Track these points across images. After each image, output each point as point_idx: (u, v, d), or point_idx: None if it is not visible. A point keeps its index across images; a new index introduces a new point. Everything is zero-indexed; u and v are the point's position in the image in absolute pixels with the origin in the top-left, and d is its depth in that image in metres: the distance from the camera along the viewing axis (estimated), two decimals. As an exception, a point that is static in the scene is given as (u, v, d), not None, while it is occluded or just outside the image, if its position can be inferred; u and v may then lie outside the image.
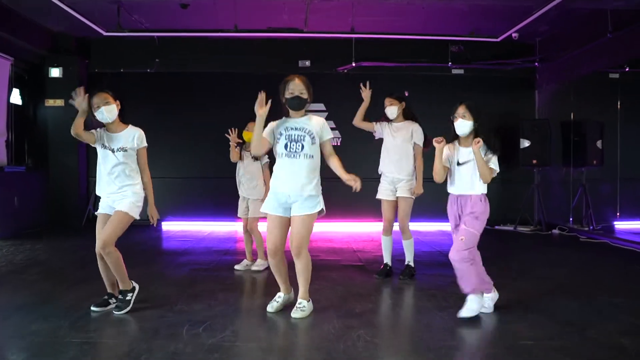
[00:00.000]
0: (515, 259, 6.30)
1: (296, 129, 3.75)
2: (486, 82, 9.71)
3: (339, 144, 9.49)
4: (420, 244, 7.43)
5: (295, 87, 3.73)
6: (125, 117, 9.50)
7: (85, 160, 9.34)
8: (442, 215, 9.65)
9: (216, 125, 9.42)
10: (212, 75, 9.36)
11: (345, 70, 9.43)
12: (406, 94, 9.65)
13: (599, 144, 8.79)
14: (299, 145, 3.71)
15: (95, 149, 3.91)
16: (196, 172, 9.42)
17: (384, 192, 5.16)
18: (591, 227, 8.50)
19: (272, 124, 3.84)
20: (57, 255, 6.28)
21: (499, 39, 8.30)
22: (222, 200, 9.32)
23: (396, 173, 5.17)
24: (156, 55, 9.32)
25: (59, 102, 8.96)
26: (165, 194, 9.43)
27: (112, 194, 3.84)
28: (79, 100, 3.81)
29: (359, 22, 7.93)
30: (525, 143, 8.94)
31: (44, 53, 8.88)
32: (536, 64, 9.52)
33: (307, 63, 9.43)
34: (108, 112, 3.80)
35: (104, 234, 3.72)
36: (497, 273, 5.21)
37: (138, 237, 7.98)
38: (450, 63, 9.47)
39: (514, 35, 8.78)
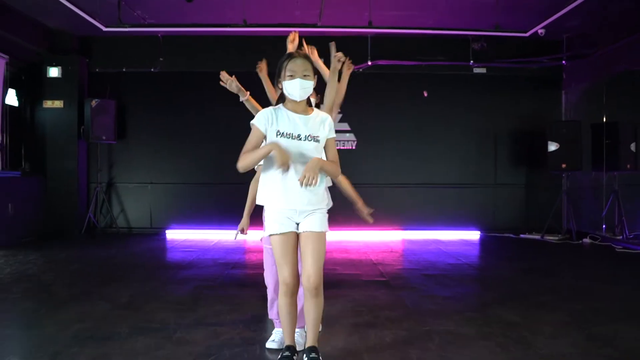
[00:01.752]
0: (555, 274, 5.70)
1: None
2: (509, 81, 9.15)
3: (354, 147, 8.94)
4: (443, 255, 6.85)
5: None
6: (128, 119, 9.05)
7: (86, 165, 8.84)
8: (464, 223, 9.21)
9: (224, 128, 8.94)
10: (219, 75, 8.82)
11: (361, 70, 8.88)
12: (425, 95, 9.18)
13: (632, 146, 8.16)
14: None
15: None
16: (203, 177, 8.89)
17: None
18: (623, 236, 7.88)
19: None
20: (49, 268, 5.75)
21: (527, 34, 7.72)
22: (230, 207, 8.75)
23: None
24: (160, 53, 8.81)
25: (58, 104, 8.47)
26: (170, 201, 8.93)
27: (305, 206, 2.71)
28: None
29: (376, 17, 7.38)
30: (553, 146, 8.35)
31: (42, 51, 8.40)
32: (563, 62, 8.94)
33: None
34: (303, 88, 2.70)
35: (316, 267, 2.67)
36: (544, 291, 4.68)
37: (139, 247, 7.46)
38: (471, 61, 8.91)
39: (540, 31, 8.22)
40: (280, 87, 2.76)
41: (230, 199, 9.28)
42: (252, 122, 2.76)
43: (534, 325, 3.59)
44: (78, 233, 8.39)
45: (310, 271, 2.67)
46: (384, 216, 8.85)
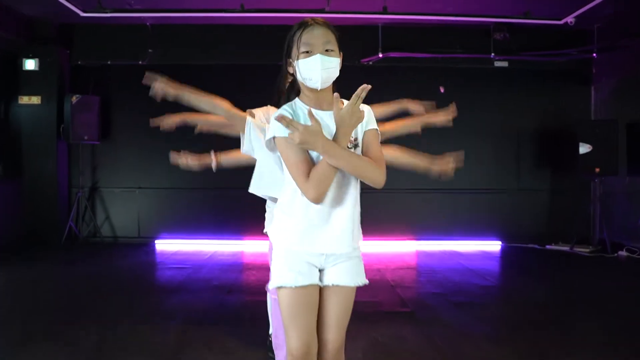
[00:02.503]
0: (607, 301, 4.85)
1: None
2: (534, 76, 8.31)
3: (362, 148, 8.09)
4: (467, 272, 6.02)
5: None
6: (113, 117, 8.20)
7: (66, 168, 7.99)
8: (483, 232, 8.40)
9: (219, 127, 8.08)
10: (215, 68, 7.97)
11: (371, 62, 8.05)
12: (442, 90, 8.34)
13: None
14: None
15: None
16: (197, 181, 7.97)
17: None
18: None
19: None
20: (11, 293, 4.91)
21: (562, 21, 6.87)
22: (227, 214, 8.00)
23: None
24: (149, 44, 7.95)
25: (35, 100, 7.60)
26: (160, 207, 8.11)
27: (336, 248, 1.88)
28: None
29: (389, 3, 6.56)
30: (585, 148, 7.52)
31: (18, 41, 7.53)
32: (594, 54, 8.09)
33: (326, 53, 8.04)
34: (326, 69, 1.80)
35: (340, 332, 1.92)
36: (604, 328, 3.68)
37: (124, 261, 6.62)
38: (493, 54, 8.06)
39: (569, 20, 7.41)
40: (292, 71, 1.88)
41: (227, 206, 8.52)
42: (273, 135, 1.80)
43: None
44: (57, 243, 7.54)
45: (331, 336, 1.89)
46: (395, 224, 8.06)
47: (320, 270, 1.89)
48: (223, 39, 8.00)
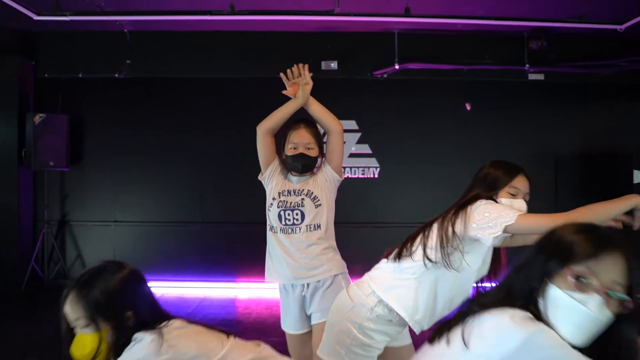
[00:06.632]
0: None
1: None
2: (575, 90, 7.16)
3: (376, 175, 6.94)
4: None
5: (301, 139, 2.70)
6: (85, 139, 7.07)
7: (31, 199, 6.87)
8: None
9: (208, 150, 6.97)
10: (203, 82, 6.86)
11: (385, 75, 6.92)
12: (468, 108, 7.22)
13: None
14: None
15: None
16: (182, 214, 6.90)
17: None
18: None
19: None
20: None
21: (622, 27, 5.72)
22: (218, 253, 6.87)
23: None
24: (127, 55, 6.83)
25: (-8, 119, 6.50)
26: (140, 244, 6.95)
27: None
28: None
29: (411, 5, 5.43)
30: (641, 177, 6.39)
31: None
32: (649, 64, 6.96)
33: (333, 65, 6.88)
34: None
35: None
36: None
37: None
38: (527, 65, 6.93)
39: (619, 27, 6.28)
40: None
41: (219, 243, 7.34)
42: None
43: None
44: (17, 289, 6.39)
45: None
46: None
47: None
48: (212, 48, 6.90)
